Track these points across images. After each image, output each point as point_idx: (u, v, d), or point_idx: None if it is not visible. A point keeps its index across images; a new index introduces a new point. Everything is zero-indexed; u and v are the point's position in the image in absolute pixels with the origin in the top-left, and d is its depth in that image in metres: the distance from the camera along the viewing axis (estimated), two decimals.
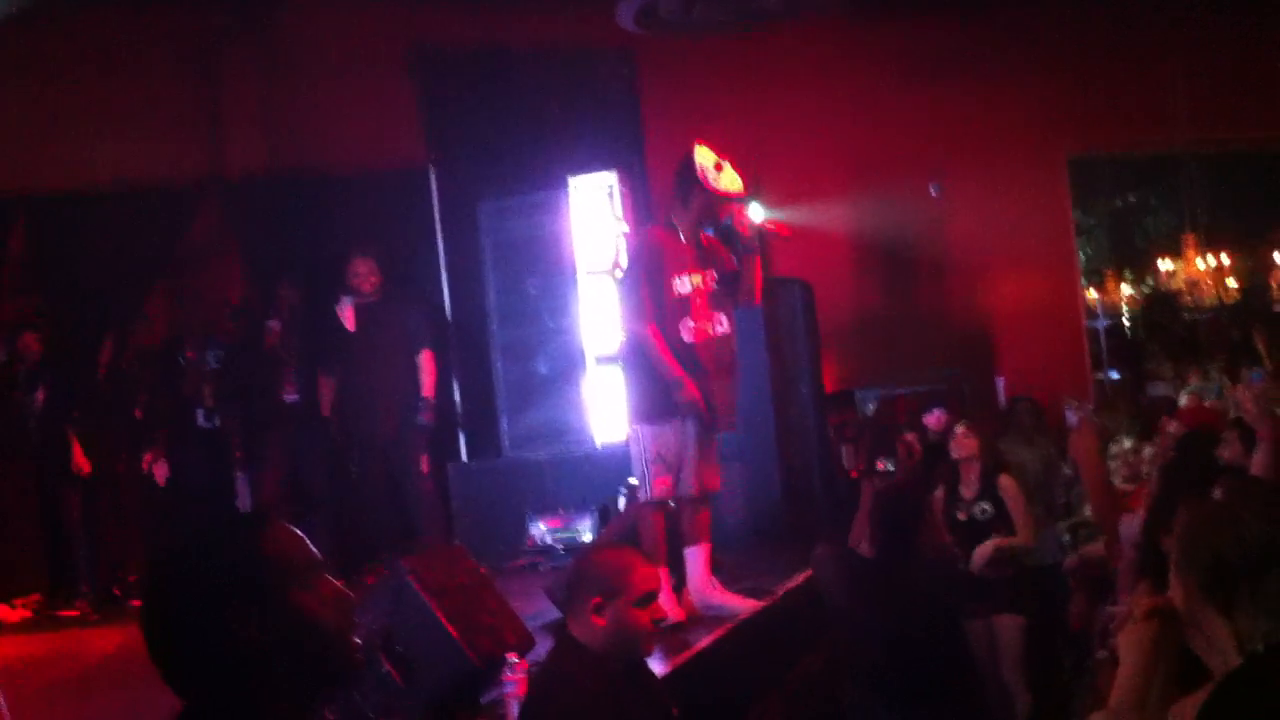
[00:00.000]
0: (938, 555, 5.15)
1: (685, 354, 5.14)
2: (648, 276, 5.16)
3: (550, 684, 3.20)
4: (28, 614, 7.29)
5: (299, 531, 1.77)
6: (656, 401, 5.16)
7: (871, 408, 9.84)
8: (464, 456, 8.54)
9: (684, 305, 5.16)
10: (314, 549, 1.76)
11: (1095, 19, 10.67)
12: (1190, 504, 2.65)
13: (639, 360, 5.21)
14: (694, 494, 5.24)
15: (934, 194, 10.59)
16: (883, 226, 10.62)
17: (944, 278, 10.63)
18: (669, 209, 5.36)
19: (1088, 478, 4.81)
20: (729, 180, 5.18)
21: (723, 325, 5.27)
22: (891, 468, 6.80)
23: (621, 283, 5.41)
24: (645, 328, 5.12)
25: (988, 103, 10.51)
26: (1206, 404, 7.26)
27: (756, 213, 9.94)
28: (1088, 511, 7.04)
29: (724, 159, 5.23)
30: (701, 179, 5.14)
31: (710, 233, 5.42)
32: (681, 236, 5.23)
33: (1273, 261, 11.29)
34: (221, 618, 1.65)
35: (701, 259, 5.25)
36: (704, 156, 5.19)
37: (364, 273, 7.57)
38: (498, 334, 8.12)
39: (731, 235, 5.35)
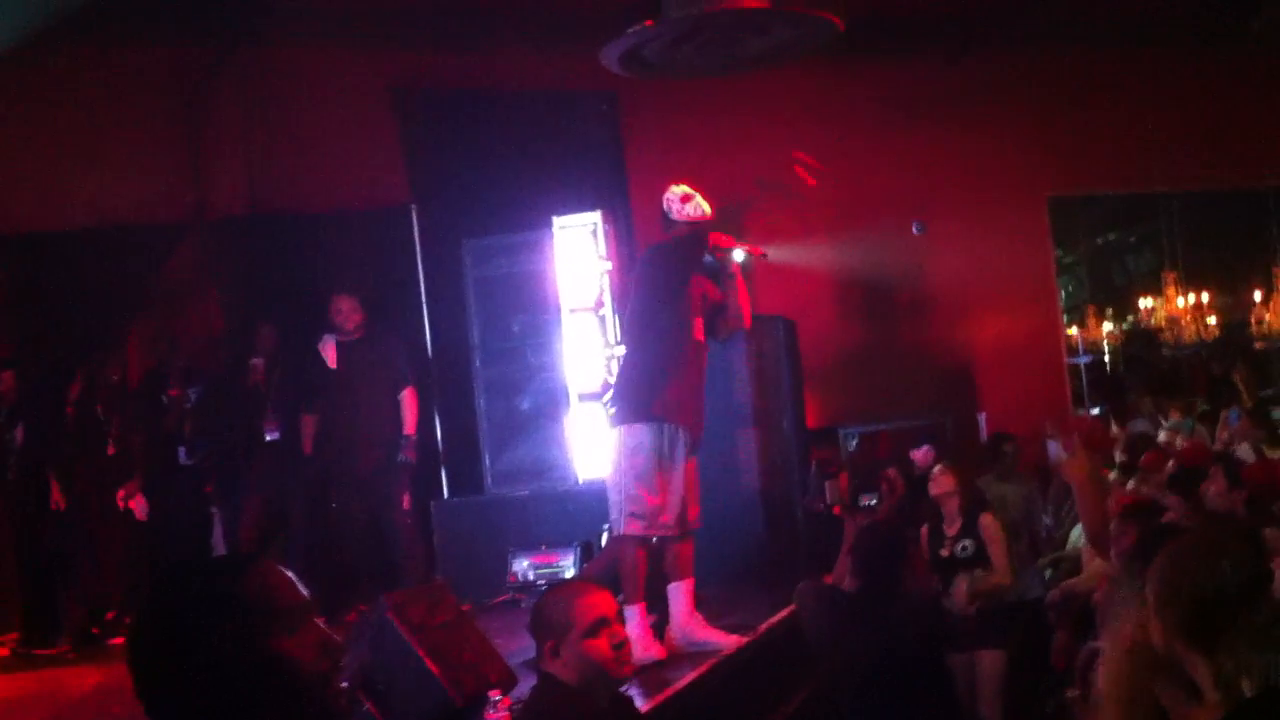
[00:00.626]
0: (920, 591, 5.14)
1: (693, 352, 5.30)
2: (681, 276, 5.31)
3: None
4: (4, 652, 7.23)
5: (288, 573, 1.74)
6: (642, 403, 5.21)
7: (854, 444, 9.87)
8: (446, 493, 8.52)
9: (695, 308, 5.34)
10: (303, 591, 1.73)
11: (1074, 63, 10.81)
12: (1169, 543, 2.67)
13: (646, 359, 5.28)
14: (674, 528, 5.24)
15: (916, 232, 10.68)
16: (865, 265, 10.70)
17: (926, 315, 10.70)
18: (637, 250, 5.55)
19: (1082, 498, 4.80)
20: (694, 208, 5.37)
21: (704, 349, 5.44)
22: (874, 502, 6.81)
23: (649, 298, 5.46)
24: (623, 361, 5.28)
25: (969, 143, 10.62)
26: (1181, 440, 7.30)
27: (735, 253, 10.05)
28: (1070, 546, 7.07)
29: (695, 189, 5.40)
30: (667, 208, 5.37)
31: (705, 268, 5.56)
32: (662, 274, 5.38)
33: (1252, 299, 11.37)
34: (202, 659, 1.63)
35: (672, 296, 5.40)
36: (673, 191, 5.42)
37: (346, 310, 7.58)
38: (481, 371, 8.12)
39: (713, 265, 5.50)
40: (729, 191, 9.90)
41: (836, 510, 6.58)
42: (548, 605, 3.17)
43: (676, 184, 5.46)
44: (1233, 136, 10.85)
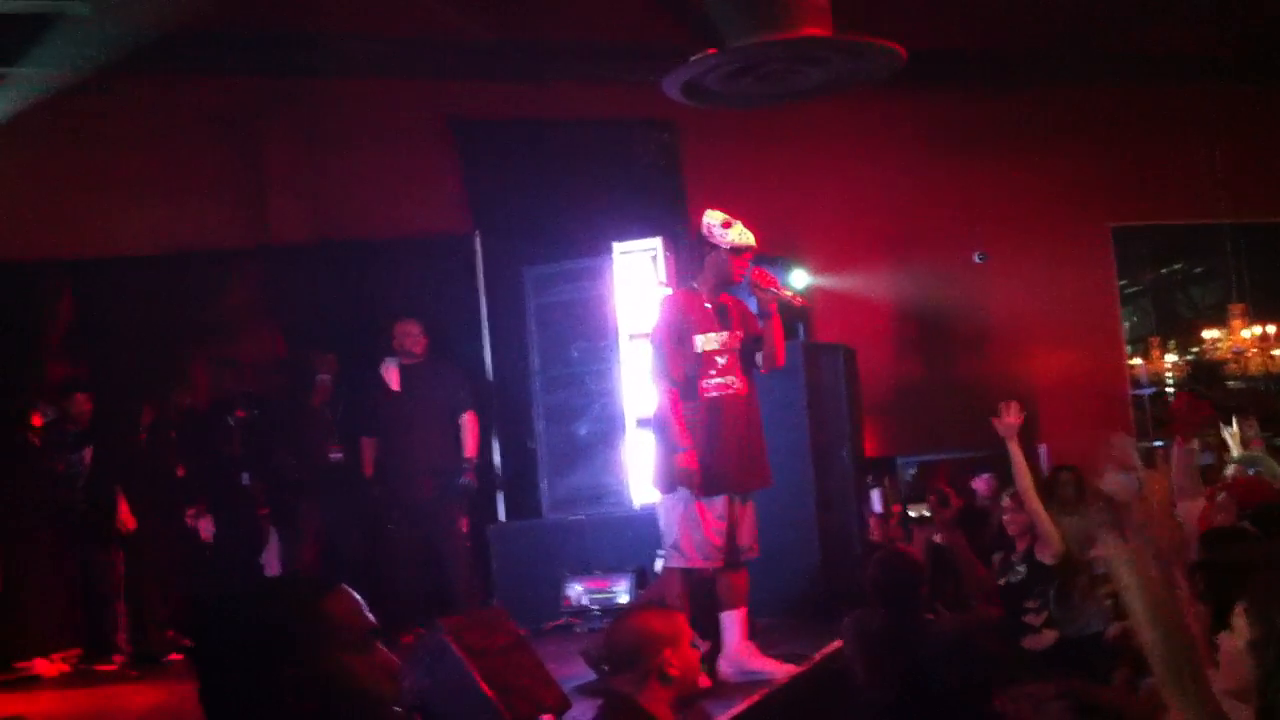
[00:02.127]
0: (958, 624, 4.91)
1: (709, 411, 5.21)
2: (668, 338, 5.26)
3: None
4: (66, 668, 7.35)
5: (358, 597, 1.79)
6: (666, 470, 5.22)
7: (911, 474, 9.81)
8: (502, 517, 8.57)
9: (707, 363, 5.25)
10: (370, 617, 1.78)
11: (1135, 93, 10.74)
12: (1260, 578, 2.61)
13: (658, 425, 5.29)
14: (718, 561, 5.24)
15: (977, 262, 10.62)
16: (925, 295, 10.65)
17: (986, 345, 10.63)
18: (691, 274, 5.50)
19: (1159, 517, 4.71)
20: (737, 235, 5.29)
21: (745, 385, 5.33)
22: (927, 513, 6.76)
23: (650, 345, 5.49)
24: (664, 390, 5.22)
25: (1030, 173, 10.57)
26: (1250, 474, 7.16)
27: (796, 278, 10.04)
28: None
29: (736, 217, 5.34)
30: (708, 234, 5.28)
31: (743, 294, 5.50)
32: (705, 298, 5.34)
33: None
34: (272, 673, 1.66)
35: (722, 319, 5.34)
36: (712, 216, 5.34)
37: (414, 334, 7.67)
38: (540, 397, 8.17)
39: (754, 299, 5.43)
40: (789, 221, 9.98)
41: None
42: (653, 619, 3.28)
43: (713, 209, 5.40)
44: None
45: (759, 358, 5.42)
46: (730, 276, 5.37)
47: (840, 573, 7.26)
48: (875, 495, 6.82)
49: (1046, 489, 8.62)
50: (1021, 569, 6.20)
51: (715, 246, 5.31)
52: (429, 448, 7.55)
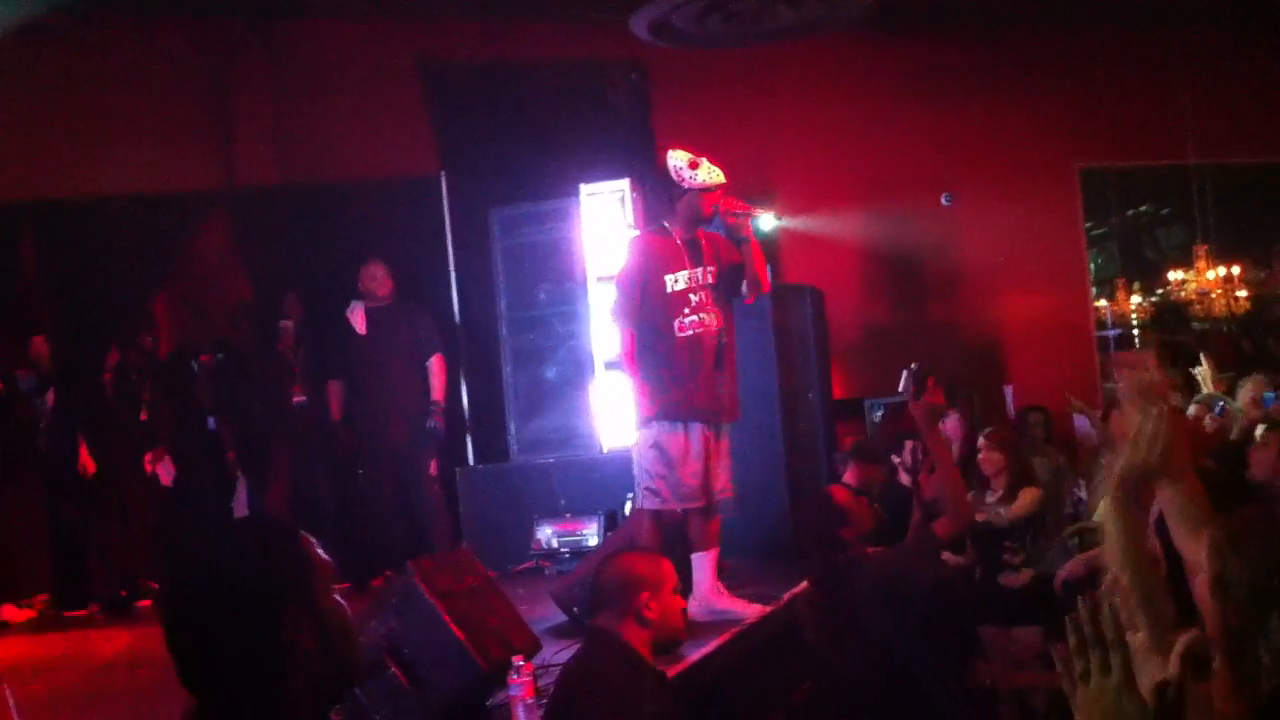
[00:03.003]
0: (884, 564, 4.48)
1: (683, 349, 5.20)
2: (631, 281, 5.25)
3: (585, 680, 3.29)
4: (32, 614, 7.33)
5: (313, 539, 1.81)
6: (642, 404, 5.24)
7: (879, 415, 9.83)
8: (471, 461, 8.56)
9: (679, 302, 5.23)
10: (327, 556, 1.80)
11: (1103, 36, 10.69)
12: (1222, 520, 2.62)
13: (628, 364, 5.31)
14: (695, 502, 5.26)
15: (945, 204, 10.61)
16: (893, 237, 10.64)
17: (954, 288, 10.65)
18: (659, 214, 5.46)
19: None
20: (705, 173, 5.25)
21: (720, 320, 5.31)
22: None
23: (614, 286, 5.48)
24: (623, 332, 5.23)
25: (999, 116, 10.53)
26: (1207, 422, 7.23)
27: (765, 220, 10.00)
28: (1096, 518, 7.02)
29: (700, 155, 5.29)
30: (676, 178, 5.24)
31: (712, 229, 5.47)
32: (677, 238, 5.30)
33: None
34: (268, 611, 1.67)
35: (695, 257, 5.31)
36: (677, 157, 5.28)
37: (380, 276, 7.61)
38: (508, 339, 8.13)
39: (726, 228, 5.40)
40: (759, 162, 9.93)
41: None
42: (639, 563, 3.36)
43: (677, 149, 5.34)
44: (1263, 110, 10.74)
45: (744, 286, 5.40)
46: (701, 214, 5.33)
47: (820, 508, 7.29)
48: (908, 446, 6.87)
49: (1016, 429, 8.71)
50: (1003, 511, 6.25)
51: (685, 188, 5.26)
52: (396, 391, 7.52)
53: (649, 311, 5.25)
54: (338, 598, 1.78)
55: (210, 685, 1.69)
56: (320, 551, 1.78)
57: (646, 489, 5.30)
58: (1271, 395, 7.54)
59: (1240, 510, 3.07)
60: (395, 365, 7.55)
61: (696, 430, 5.24)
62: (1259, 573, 2.27)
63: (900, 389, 4.39)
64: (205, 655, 1.69)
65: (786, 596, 5.58)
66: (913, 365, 4.43)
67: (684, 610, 3.47)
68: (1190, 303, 11.28)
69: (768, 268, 5.49)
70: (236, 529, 2.00)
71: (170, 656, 1.70)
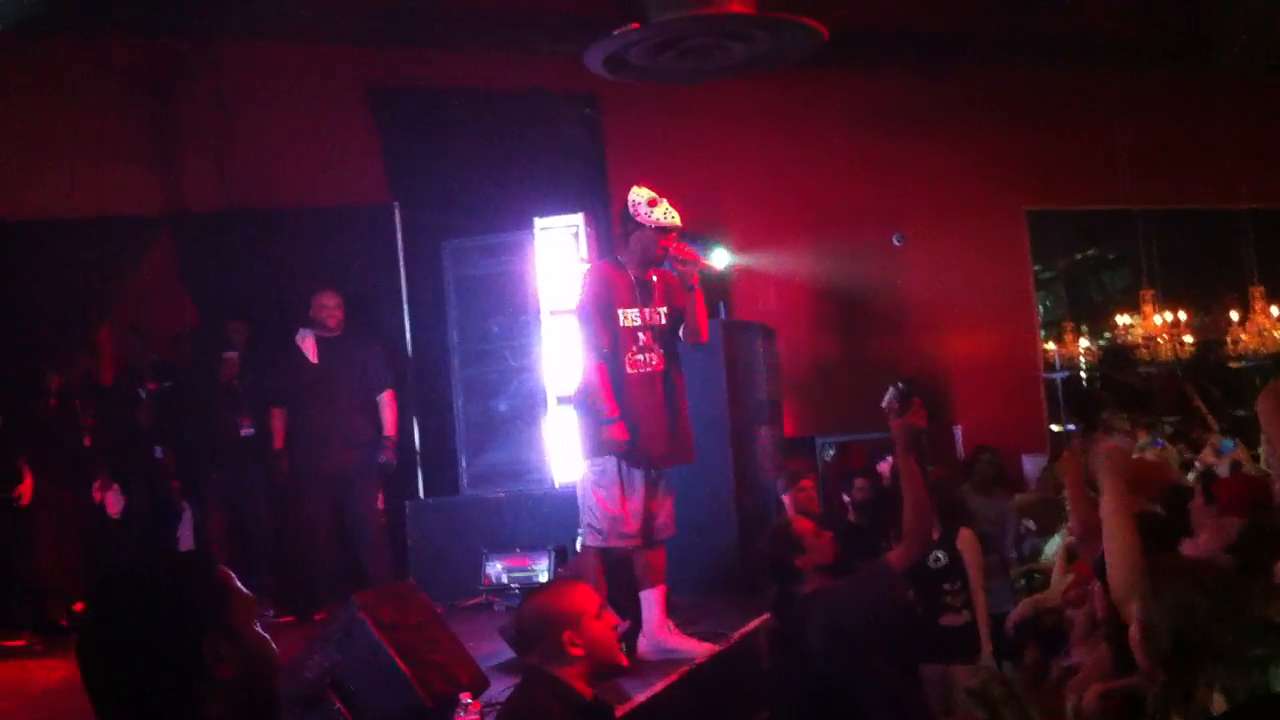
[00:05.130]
0: (832, 600, 4.57)
1: (631, 387, 5.20)
2: (596, 311, 5.24)
3: (522, 714, 3.25)
4: None
5: (231, 573, 1.80)
6: (593, 438, 5.22)
7: (830, 454, 9.87)
8: (421, 494, 8.47)
9: (629, 338, 5.24)
10: (246, 591, 1.80)
11: (1052, 76, 10.87)
12: (1153, 566, 2.63)
13: (583, 397, 5.29)
14: (635, 541, 5.24)
15: (896, 244, 10.71)
16: (844, 275, 10.71)
17: (904, 327, 10.72)
18: (616, 248, 5.49)
19: (1073, 494, 4.72)
20: (663, 213, 5.27)
21: (666, 361, 5.32)
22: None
23: (576, 319, 5.47)
24: (592, 362, 5.22)
25: (949, 156, 10.65)
26: (1148, 455, 7.33)
27: (717, 256, 10.04)
28: (1043, 559, 7.08)
29: (662, 195, 5.32)
30: (635, 214, 5.26)
31: (667, 268, 5.48)
32: (631, 274, 5.32)
33: (1229, 318, 11.44)
34: (188, 649, 1.66)
35: (645, 295, 5.33)
36: (638, 194, 5.31)
37: (330, 306, 7.50)
38: (459, 372, 8.09)
39: (675, 273, 5.42)
40: (710, 198, 9.97)
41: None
42: (555, 598, 3.32)
43: (641, 186, 5.37)
44: (1207, 156, 10.93)
45: (682, 331, 5.43)
46: (654, 254, 5.36)
47: (773, 542, 7.28)
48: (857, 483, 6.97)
49: (967, 469, 8.78)
50: (941, 555, 6.26)
51: (640, 224, 5.29)
52: (344, 421, 7.41)
53: (612, 339, 5.26)
54: (258, 629, 1.77)
55: (125, 717, 1.67)
56: (239, 584, 1.77)
57: (589, 526, 5.31)
58: (1230, 443, 7.64)
59: (1158, 557, 3.09)
60: (343, 395, 7.45)
61: (640, 474, 5.24)
62: (1180, 621, 2.28)
63: (884, 404, 4.37)
64: (120, 686, 1.67)
65: (737, 635, 5.56)
66: (899, 382, 4.41)
67: (616, 628, 3.44)
68: (1137, 346, 11.42)
69: (708, 318, 5.53)
70: (154, 560, 1.99)
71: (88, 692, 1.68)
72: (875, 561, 4.59)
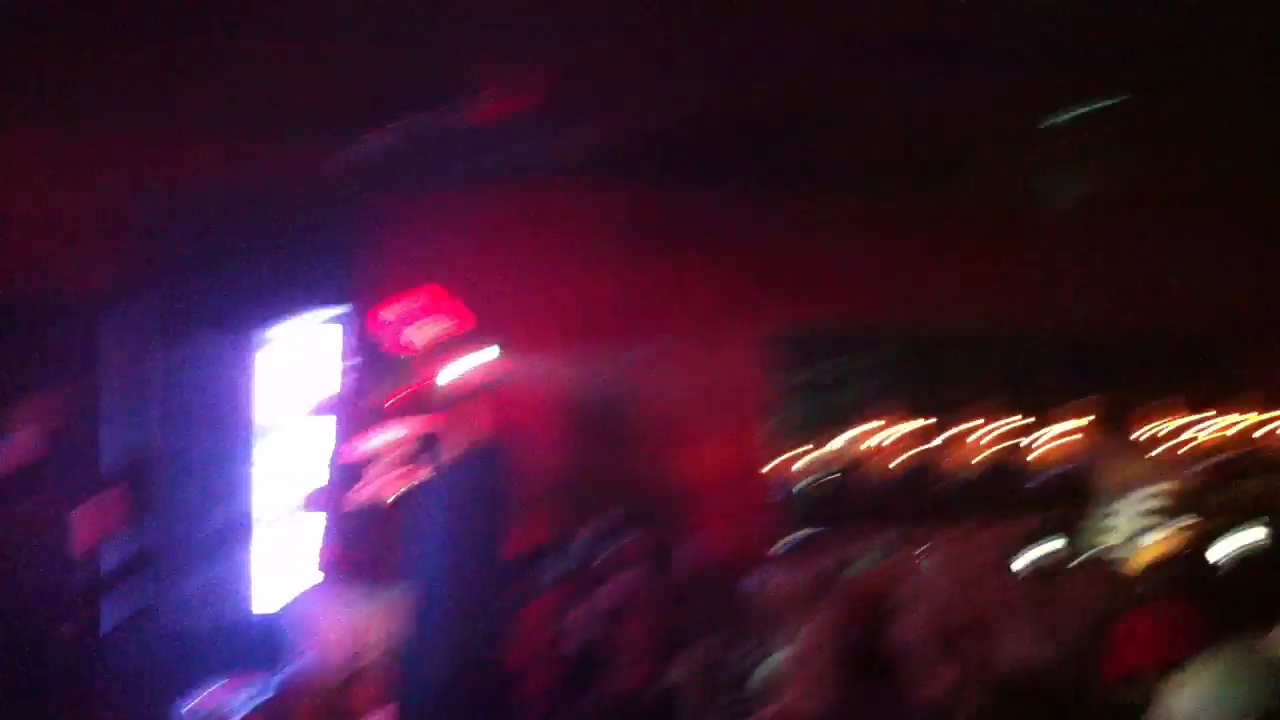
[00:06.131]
0: None
1: (354, 509, 5.09)
2: (326, 428, 5.16)
3: None
4: None
5: None
6: (300, 564, 5.10)
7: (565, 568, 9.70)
8: (111, 622, 7.85)
9: (366, 458, 5.14)
10: None
11: (801, 196, 11.19)
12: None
13: (311, 511, 5.16)
14: (343, 673, 5.09)
15: (640, 357, 10.75)
16: (592, 382, 10.66)
17: (645, 437, 10.73)
18: (363, 362, 5.41)
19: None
20: (414, 332, 5.20)
21: (397, 480, 5.25)
22: None
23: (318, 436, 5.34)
24: (328, 478, 5.10)
25: (698, 270, 10.82)
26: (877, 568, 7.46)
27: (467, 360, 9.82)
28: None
29: (423, 314, 5.24)
30: (384, 331, 5.20)
31: (438, 375, 5.39)
32: (374, 392, 5.24)
33: (962, 433, 11.97)
34: None
35: (386, 412, 5.24)
36: (391, 313, 5.22)
37: (20, 417, 6.95)
38: (163, 488, 7.60)
39: (426, 391, 5.35)
40: (460, 298, 9.76)
41: None
42: None
43: (393, 302, 5.30)
44: (941, 280, 11.46)
45: (428, 450, 5.29)
46: (402, 373, 5.26)
47: (480, 679, 7.04)
48: None
49: (696, 585, 8.71)
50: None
51: (390, 342, 5.21)
52: (24, 545, 6.83)
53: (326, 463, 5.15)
54: None
55: None
56: None
57: (297, 656, 5.14)
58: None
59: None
60: (29, 515, 6.88)
61: (349, 595, 5.08)
62: None
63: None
64: None
65: None
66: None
67: None
68: (873, 457, 11.78)
69: (453, 432, 5.43)
70: None
71: None
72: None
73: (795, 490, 11.60)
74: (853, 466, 12.30)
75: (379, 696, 5.30)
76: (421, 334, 5.23)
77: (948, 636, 5.61)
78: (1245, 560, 6.59)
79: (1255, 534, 7.16)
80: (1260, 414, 13.20)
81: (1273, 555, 6.54)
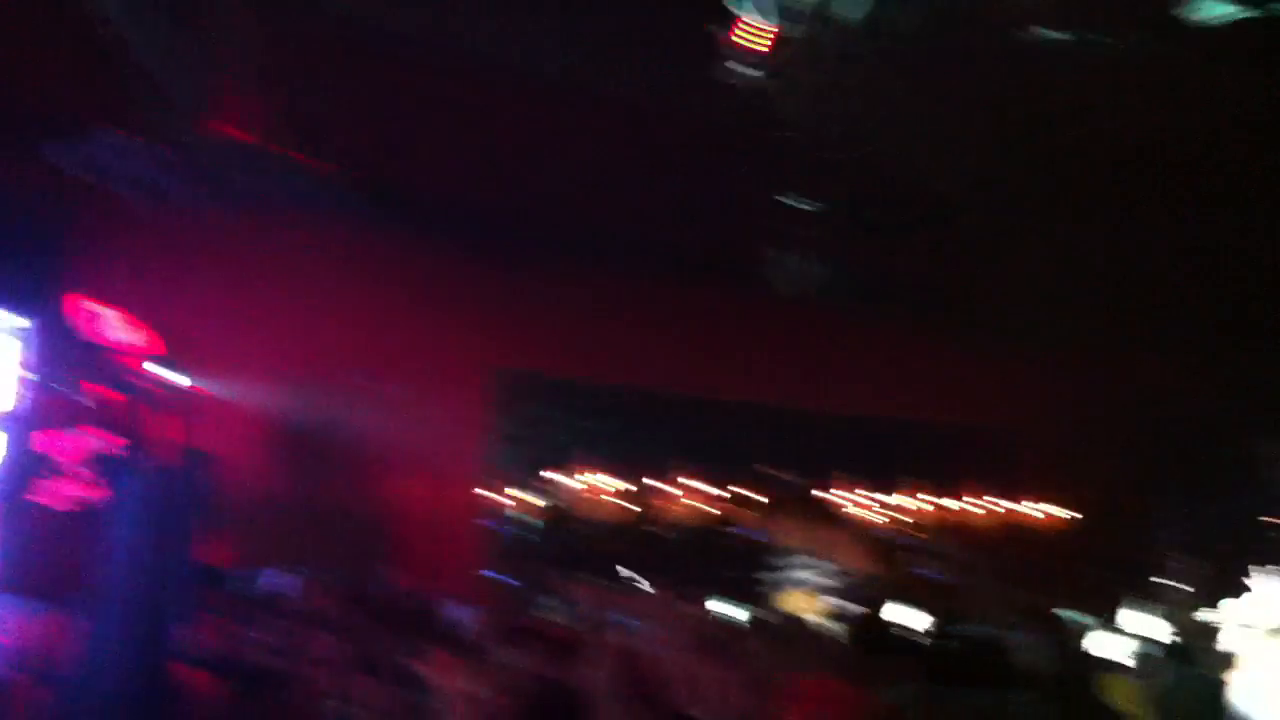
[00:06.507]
0: None
1: (29, 514, 4.89)
2: (15, 443, 4.93)
3: None
4: None
5: None
6: None
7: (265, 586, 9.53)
8: None
9: (47, 462, 4.93)
10: None
11: (540, 256, 11.42)
12: None
13: None
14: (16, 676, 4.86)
15: (353, 390, 10.73)
16: (305, 411, 10.56)
17: (358, 468, 10.70)
18: (51, 377, 5.19)
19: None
20: (117, 332, 5.06)
21: (83, 487, 5.05)
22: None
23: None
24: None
25: (423, 309, 10.90)
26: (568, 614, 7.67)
27: (176, 377, 9.55)
28: None
29: (120, 313, 5.11)
30: (85, 330, 5.03)
31: (127, 392, 5.24)
32: (68, 396, 5.03)
33: (664, 491, 12.38)
34: None
35: (81, 416, 5.05)
36: (90, 311, 5.07)
37: None
38: None
39: (136, 395, 5.21)
40: (175, 314, 9.45)
41: None
42: None
43: (95, 304, 5.14)
44: (659, 345, 11.87)
45: (113, 463, 5.14)
46: (104, 373, 5.09)
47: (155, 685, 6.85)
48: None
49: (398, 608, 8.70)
50: None
51: (91, 341, 5.02)
52: None
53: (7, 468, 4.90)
54: None
55: None
56: None
57: None
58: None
59: None
60: None
61: (23, 604, 4.87)
62: None
63: None
64: None
65: None
66: None
67: None
68: (577, 506, 12.07)
69: (148, 450, 5.29)
70: None
71: None
72: None
73: (500, 530, 11.73)
74: (558, 514, 12.54)
75: (48, 704, 5.06)
76: (111, 348, 5.09)
77: (632, 688, 5.82)
78: (909, 634, 7.08)
79: (918, 615, 7.78)
80: (932, 501, 14.15)
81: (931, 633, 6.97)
